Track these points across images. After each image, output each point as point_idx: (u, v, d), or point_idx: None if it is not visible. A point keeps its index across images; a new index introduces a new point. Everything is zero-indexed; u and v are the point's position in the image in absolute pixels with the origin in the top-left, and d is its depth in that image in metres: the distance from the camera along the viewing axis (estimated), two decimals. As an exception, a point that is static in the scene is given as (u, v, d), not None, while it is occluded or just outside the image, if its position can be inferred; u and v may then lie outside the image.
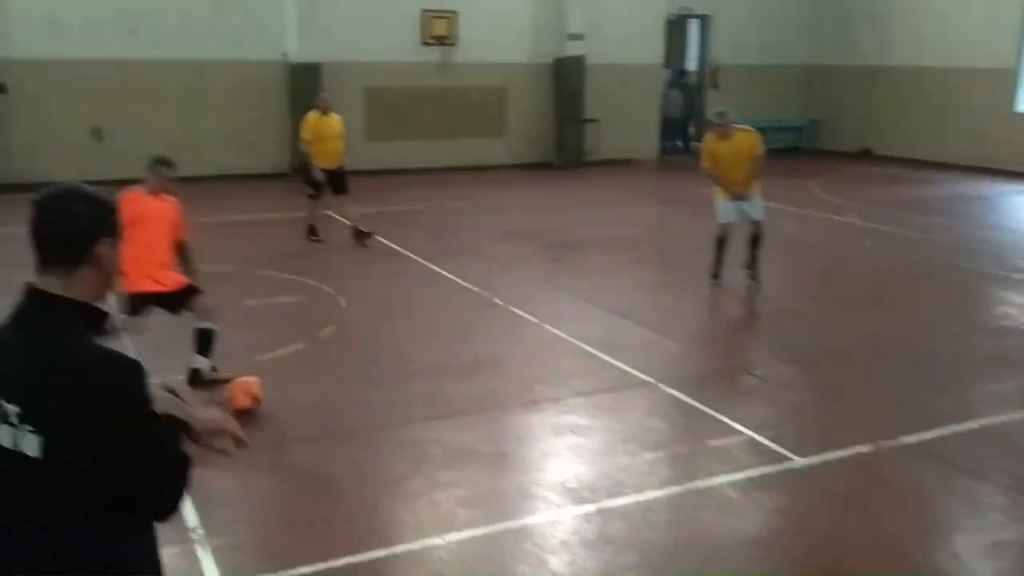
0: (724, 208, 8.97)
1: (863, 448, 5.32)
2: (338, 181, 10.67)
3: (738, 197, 8.81)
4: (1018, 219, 14.37)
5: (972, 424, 5.75)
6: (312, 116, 10.66)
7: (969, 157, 17.56)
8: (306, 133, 10.62)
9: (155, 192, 5.97)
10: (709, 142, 8.93)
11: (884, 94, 19.27)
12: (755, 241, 8.95)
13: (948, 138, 18.08)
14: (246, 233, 11.40)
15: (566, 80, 17.61)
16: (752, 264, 8.97)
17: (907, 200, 14.66)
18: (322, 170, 10.53)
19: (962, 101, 17.77)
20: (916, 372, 6.84)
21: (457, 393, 6.19)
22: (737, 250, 8.98)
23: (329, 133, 10.57)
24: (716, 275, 9.07)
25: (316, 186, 10.63)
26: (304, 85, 15.46)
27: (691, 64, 21.03)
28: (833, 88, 20.36)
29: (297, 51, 15.52)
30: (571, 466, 5.17)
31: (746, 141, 8.79)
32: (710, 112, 8.89)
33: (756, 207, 8.90)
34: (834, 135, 20.49)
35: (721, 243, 9.03)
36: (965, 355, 7.29)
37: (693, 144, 20.48)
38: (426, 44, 16.53)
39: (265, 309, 8.05)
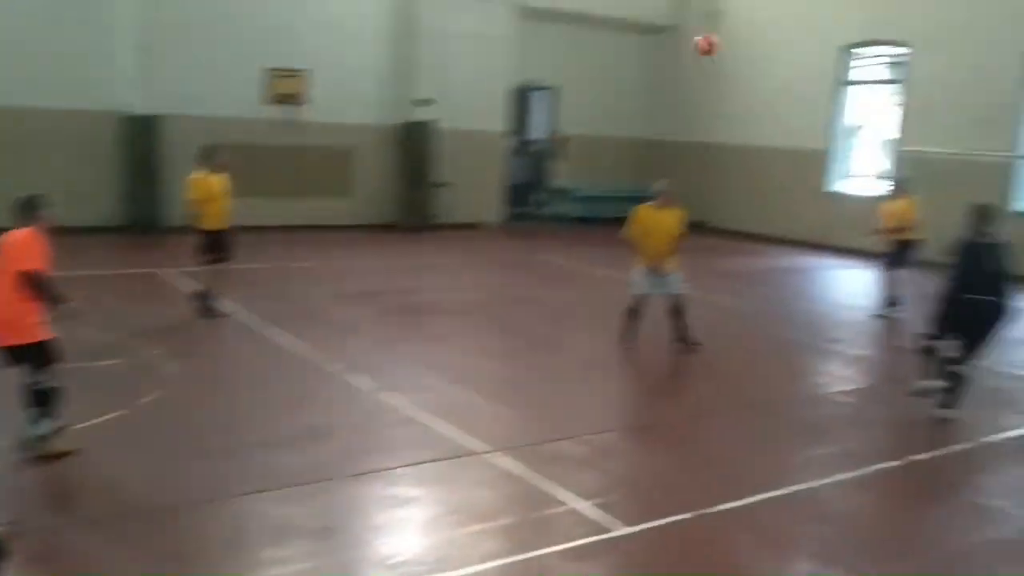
0: (638, 280, 9.39)
1: (683, 516, 5.50)
2: (226, 244, 9.93)
3: (654, 270, 9.19)
4: (829, 291, 15.42)
5: (783, 491, 6.06)
6: (199, 174, 9.81)
7: (788, 232, 18.79)
8: (195, 192, 9.74)
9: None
10: (643, 210, 9.32)
11: (715, 169, 20.43)
12: (676, 312, 9.30)
13: (769, 213, 19.33)
14: (71, 289, 10.76)
15: (414, 143, 17.78)
16: (682, 335, 9.30)
17: (729, 271, 15.48)
18: (208, 232, 9.79)
19: (781, 179, 19.10)
20: (739, 439, 7.15)
21: (284, 465, 6.02)
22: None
23: (219, 192, 9.81)
24: (627, 339, 9.43)
25: (210, 249, 9.83)
26: (142, 137, 15.02)
27: (537, 133, 21.66)
28: (670, 161, 21.37)
29: (134, 103, 15.02)
30: (396, 540, 5.11)
31: (672, 217, 9.26)
32: (656, 185, 9.56)
33: (672, 282, 9.28)
34: (671, 206, 21.47)
35: (632, 313, 9.43)
36: (785, 422, 7.70)
37: (537, 211, 21.06)
38: (271, 103, 16.34)
39: (83, 372, 7.60)
